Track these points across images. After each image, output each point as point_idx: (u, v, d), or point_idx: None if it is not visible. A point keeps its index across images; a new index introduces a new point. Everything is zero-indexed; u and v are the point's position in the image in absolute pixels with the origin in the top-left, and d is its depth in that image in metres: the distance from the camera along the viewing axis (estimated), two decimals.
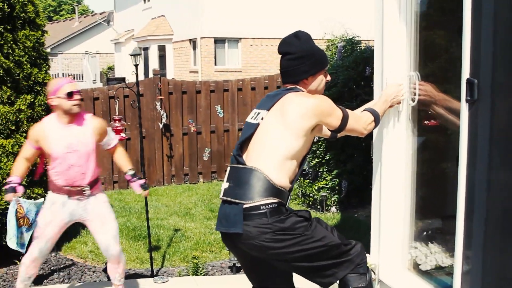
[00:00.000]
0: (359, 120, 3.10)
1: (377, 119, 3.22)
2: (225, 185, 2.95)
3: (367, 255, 3.69)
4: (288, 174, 2.89)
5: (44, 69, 5.73)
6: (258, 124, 2.93)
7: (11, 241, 4.34)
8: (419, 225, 3.87)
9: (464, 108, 2.82)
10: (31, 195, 5.28)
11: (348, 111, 3.06)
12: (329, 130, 3.05)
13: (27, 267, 4.14)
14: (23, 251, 4.87)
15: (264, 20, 22.52)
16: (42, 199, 5.11)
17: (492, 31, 2.67)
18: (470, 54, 2.76)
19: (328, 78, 3.12)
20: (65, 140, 3.95)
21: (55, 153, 3.95)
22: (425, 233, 3.85)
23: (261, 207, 2.78)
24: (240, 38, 23.45)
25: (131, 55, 5.01)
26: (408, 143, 3.79)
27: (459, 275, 2.96)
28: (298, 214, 2.88)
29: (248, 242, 2.82)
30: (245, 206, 2.79)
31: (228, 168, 3.00)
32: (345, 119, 2.97)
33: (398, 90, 3.56)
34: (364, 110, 3.33)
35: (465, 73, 2.78)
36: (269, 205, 2.79)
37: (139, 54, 5.00)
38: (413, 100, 3.63)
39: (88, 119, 4.09)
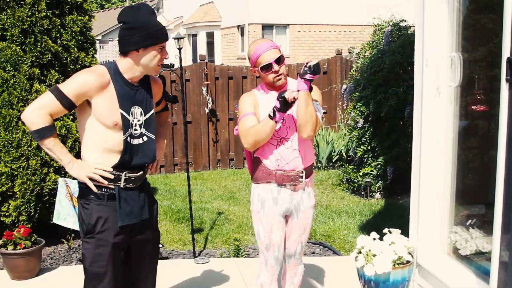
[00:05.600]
0: (43, 106, 2.74)
1: (37, 131, 2.73)
2: None
3: (405, 238, 3.65)
4: (96, 149, 2.86)
5: (91, 53, 5.85)
6: None
7: (66, 221, 4.47)
8: (460, 210, 3.79)
9: (504, 88, 2.75)
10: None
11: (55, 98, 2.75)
12: None
13: (269, 285, 3.44)
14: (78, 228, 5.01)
15: (312, 7, 22.35)
16: None
17: None
18: (511, 32, 2.68)
19: (166, 56, 2.99)
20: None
21: None
22: (466, 218, 3.78)
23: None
24: (288, 24, 23.33)
25: (174, 39, 5.07)
26: (448, 127, 3.72)
27: (496, 262, 2.90)
28: (98, 216, 2.87)
29: None
30: None
31: None
32: (50, 92, 2.75)
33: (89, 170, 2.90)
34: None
35: (506, 52, 2.71)
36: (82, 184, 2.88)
37: (183, 38, 5.05)
38: (454, 83, 3.56)
39: (291, 82, 3.38)
